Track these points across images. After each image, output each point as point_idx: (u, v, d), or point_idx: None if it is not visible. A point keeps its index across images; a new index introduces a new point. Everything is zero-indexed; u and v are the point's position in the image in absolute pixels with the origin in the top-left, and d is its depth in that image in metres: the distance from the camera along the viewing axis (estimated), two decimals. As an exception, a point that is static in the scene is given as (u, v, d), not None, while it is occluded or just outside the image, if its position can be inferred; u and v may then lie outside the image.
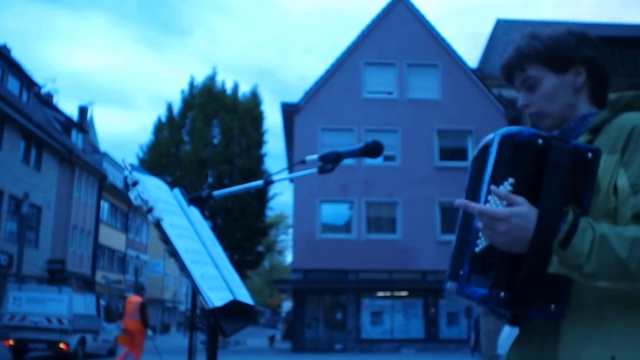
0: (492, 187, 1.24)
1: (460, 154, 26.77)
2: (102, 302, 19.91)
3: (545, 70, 1.45)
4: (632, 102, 1.40)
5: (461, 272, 1.30)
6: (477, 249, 1.28)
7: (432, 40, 27.93)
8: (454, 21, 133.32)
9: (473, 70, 28.34)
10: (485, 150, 1.33)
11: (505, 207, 1.21)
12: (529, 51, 1.46)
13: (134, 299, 12.55)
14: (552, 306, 1.25)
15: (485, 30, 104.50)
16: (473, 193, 1.33)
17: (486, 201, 1.26)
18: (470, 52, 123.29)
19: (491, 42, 32.66)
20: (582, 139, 1.38)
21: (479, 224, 1.25)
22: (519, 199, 1.22)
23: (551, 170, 1.23)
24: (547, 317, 1.26)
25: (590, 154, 1.25)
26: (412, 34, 27.77)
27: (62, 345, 16.02)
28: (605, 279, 1.18)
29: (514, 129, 1.28)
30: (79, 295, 17.85)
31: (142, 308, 12.16)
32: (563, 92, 1.44)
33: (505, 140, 1.27)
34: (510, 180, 1.24)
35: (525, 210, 1.20)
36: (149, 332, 12.75)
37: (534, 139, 1.25)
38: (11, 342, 16.18)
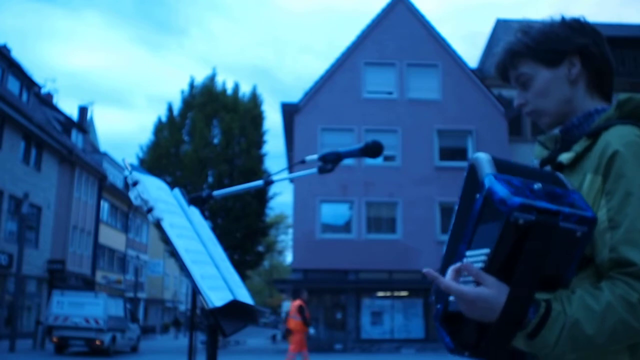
0: (465, 262, 1.18)
1: (460, 154, 26.77)
2: (128, 306, 22.86)
3: (537, 65, 1.38)
4: (639, 107, 1.30)
5: (438, 306, 1.28)
6: (451, 297, 1.23)
7: (432, 40, 27.93)
8: (452, 21, 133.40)
9: (473, 70, 28.34)
10: (476, 179, 1.21)
11: (473, 288, 1.15)
12: (518, 47, 1.40)
13: (296, 302, 14.13)
14: None
15: (484, 30, 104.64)
16: (456, 236, 1.28)
17: (463, 256, 1.22)
18: (470, 52, 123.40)
19: (491, 42, 32.69)
20: (578, 146, 1.30)
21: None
22: (489, 279, 1.15)
23: (529, 255, 1.11)
24: None
25: (579, 233, 1.13)
26: (412, 33, 27.77)
27: (97, 342, 18.89)
28: (572, 354, 1.15)
29: (499, 190, 1.12)
30: (111, 299, 20.74)
31: (300, 309, 13.73)
32: (557, 86, 1.37)
33: (488, 200, 1.14)
34: (486, 250, 1.16)
35: (492, 294, 1.14)
36: (310, 330, 14.44)
37: (516, 217, 1.09)
38: (55, 339, 19.05)
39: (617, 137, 1.23)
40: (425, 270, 1.22)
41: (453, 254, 1.26)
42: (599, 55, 1.38)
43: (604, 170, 1.22)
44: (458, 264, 1.20)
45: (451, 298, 1.23)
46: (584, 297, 1.14)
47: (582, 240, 1.14)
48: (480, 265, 1.17)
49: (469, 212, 1.21)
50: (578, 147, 1.30)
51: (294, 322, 13.79)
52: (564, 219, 1.11)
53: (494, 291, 1.14)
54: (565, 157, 1.31)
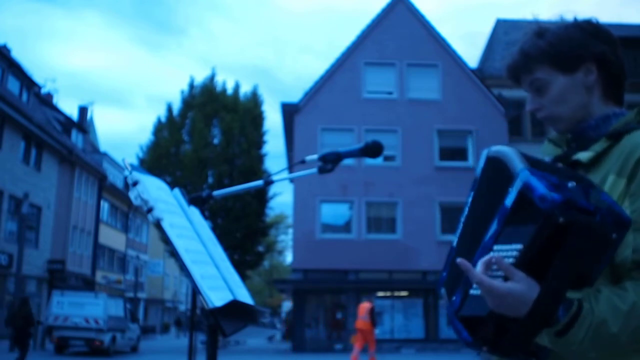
0: (495, 255, 1.16)
1: (460, 154, 26.77)
2: (128, 305, 22.91)
3: (554, 71, 1.36)
4: None
5: (454, 298, 1.27)
6: (472, 291, 1.22)
7: (432, 40, 27.93)
8: (452, 21, 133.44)
9: (473, 70, 28.33)
10: (502, 173, 1.20)
11: (504, 283, 1.14)
12: (534, 52, 1.37)
13: (365, 304, 15.19)
14: None
15: (484, 30, 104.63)
16: (478, 225, 1.25)
17: (490, 249, 1.20)
18: (470, 52, 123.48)
19: (491, 42, 32.67)
20: (598, 146, 1.29)
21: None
22: (519, 274, 1.14)
23: (567, 253, 1.11)
24: None
25: (615, 235, 1.12)
26: (412, 34, 27.77)
27: (97, 342, 18.93)
28: (594, 353, 1.14)
29: (539, 186, 1.11)
30: (111, 299, 20.77)
31: (372, 311, 14.94)
32: (574, 93, 1.35)
33: (524, 196, 1.13)
34: (518, 246, 1.15)
35: (523, 290, 1.13)
36: (377, 331, 15.53)
37: (556, 215, 1.08)
38: (55, 339, 19.10)
39: None
40: (458, 260, 1.19)
41: (474, 245, 1.24)
42: (615, 61, 1.38)
43: (630, 173, 1.20)
44: (487, 257, 1.18)
45: (472, 292, 1.22)
46: (611, 297, 1.14)
47: (616, 242, 1.14)
48: (510, 260, 1.16)
49: (495, 206, 1.20)
50: (598, 147, 1.29)
51: (363, 323, 14.90)
52: (601, 219, 1.10)
53: (524, 287, 1.13)
54: (584, 155, 1.30)
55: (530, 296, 1.13)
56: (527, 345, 1.18)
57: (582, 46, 1.35)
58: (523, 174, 1.14)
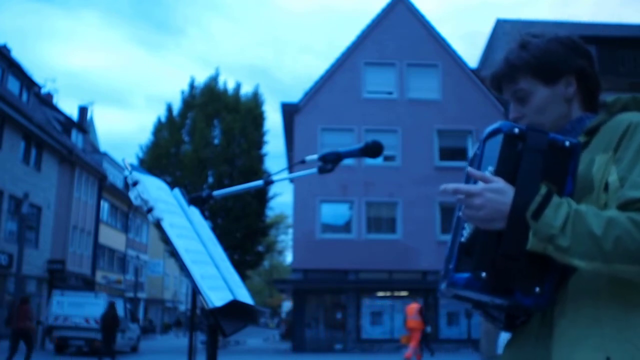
0: (469, 168, 1.29)
1: (460, 154, 26.77)
2: (128, 306, 23.11)
3: (536, 82, 1.43)
4: (628, 104, 1.39)
5: (450, 266, 1.31)
6: (463, 238, 1.30)
7: (432, 40, 27.94)
8: (452, 21, 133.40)
9: (473, 70, 28.34)
10: (479, 148, 1.38)
11: (480, 184, 1.25)
12: (518, 63, 1.44)
13: (414, 305, 16.39)
14: (537, 288, 1.23)
15: (484, 30, 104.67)
16: None
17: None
18: (470, 52, 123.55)
19: (491, 42, 32.66)
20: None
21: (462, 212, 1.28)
22: (495, 177, 1.25)
23: (527, 153, 1.26)
24: (533, 302, 1.24)
25: (567, 143, 1.28)
26: (412, 34, 27.78)
27: (97, 342, 18.51)
28: (579, 257, 1.16)
29: (496, 124, 1.32)
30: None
31: (421, 311, 16.18)
32: (554, 103, 1.43)
33: (487, 134, 1.33)
34: (490, 168, 1.28)
35: (500, 186, 1.23)
36: (428, 329, 16.70)
37: (512, 128, 1.28)
38: (55, 339, 19.30)
39: (628, 116, 1.33)
40: (442, 186, 1.30)
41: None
42: (592, 75, 1.45)
43: (615, 144, 1.28)
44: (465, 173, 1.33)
45: (464, 232, 1.30)
46: (589, 207, 1.21)
47: (572, 151, 1.27)
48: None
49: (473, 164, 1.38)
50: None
51: (415, 322, 15.98)
52: (551, 135, 1.30)
53: (501, 183, 1.24)
54: None
55: (508, 191, 1.23)
56: (521, 255, 1.22)
57: (563, 60, 1.43)
58: (488, 127, 1.35)
